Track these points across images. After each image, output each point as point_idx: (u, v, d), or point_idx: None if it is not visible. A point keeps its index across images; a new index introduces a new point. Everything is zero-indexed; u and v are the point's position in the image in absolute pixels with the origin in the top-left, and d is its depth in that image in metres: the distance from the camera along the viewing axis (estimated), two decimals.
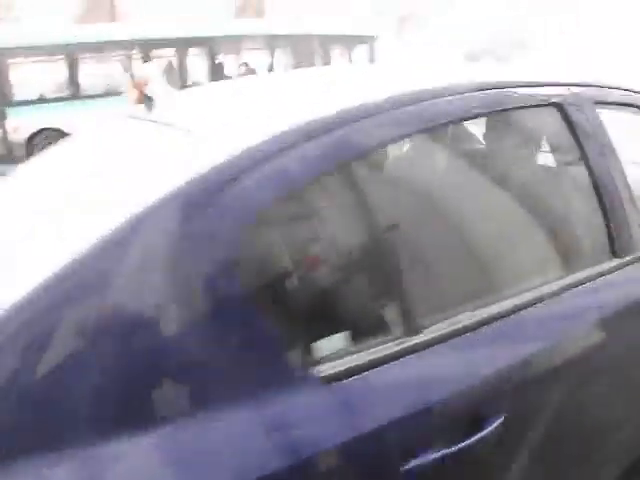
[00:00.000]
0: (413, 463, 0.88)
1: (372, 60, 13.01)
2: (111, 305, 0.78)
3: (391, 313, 1.01)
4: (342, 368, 0.90)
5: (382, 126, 1.03)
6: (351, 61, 12.58)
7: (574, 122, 1.29)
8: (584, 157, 1.31)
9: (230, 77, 11.41)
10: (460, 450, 0.92)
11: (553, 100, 1.30)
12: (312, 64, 12.41)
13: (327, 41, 12.12)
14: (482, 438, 0.95)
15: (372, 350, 0.94)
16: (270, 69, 11.52)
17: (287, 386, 0.84)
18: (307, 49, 12.15)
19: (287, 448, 0.83)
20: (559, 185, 1.49)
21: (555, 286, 1.18)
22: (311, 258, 1.00)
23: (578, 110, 1.31)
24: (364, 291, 1.06)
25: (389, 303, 1.03)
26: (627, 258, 1.29)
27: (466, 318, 1.04)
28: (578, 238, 1.40)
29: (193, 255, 0.81)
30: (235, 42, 11.15)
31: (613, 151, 1.37)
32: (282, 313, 0.91)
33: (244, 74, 11.60)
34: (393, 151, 1.44)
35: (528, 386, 1.08)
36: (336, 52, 12.47)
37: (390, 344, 0.96)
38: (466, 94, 1.17)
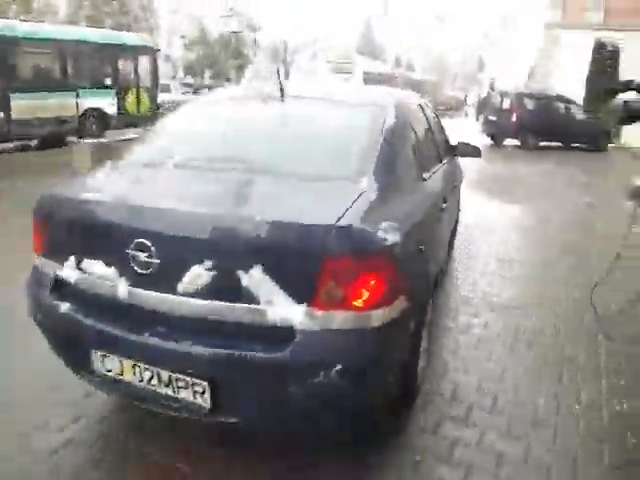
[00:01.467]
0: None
1: (154, 70, 14.03)
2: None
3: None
4: (429, 175, 2.91)
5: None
6: (137, 70, 13.49)
7: (425, 112, 3.62)
8: (429, 125, 3.60)
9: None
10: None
11: (419, 104, 3.60)
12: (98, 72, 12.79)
13: (114, 50, 12.93)
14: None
15: (433, 168, 3.10)
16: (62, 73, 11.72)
17: (418, 180, 2.72)
18: (93, 57, 12.55)
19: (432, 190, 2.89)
20: (435, 133, 3.80)
21: (439, 165, 3.48)
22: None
23: (425, 106, 3.68)
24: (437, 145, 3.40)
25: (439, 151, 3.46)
26: (442, 161, 3.66)
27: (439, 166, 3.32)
28: (436, 154, 3.70)
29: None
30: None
31: (431, 124, 3.71)
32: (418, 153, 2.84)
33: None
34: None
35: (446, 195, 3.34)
36: (123, 61, 13.25)
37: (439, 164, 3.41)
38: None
